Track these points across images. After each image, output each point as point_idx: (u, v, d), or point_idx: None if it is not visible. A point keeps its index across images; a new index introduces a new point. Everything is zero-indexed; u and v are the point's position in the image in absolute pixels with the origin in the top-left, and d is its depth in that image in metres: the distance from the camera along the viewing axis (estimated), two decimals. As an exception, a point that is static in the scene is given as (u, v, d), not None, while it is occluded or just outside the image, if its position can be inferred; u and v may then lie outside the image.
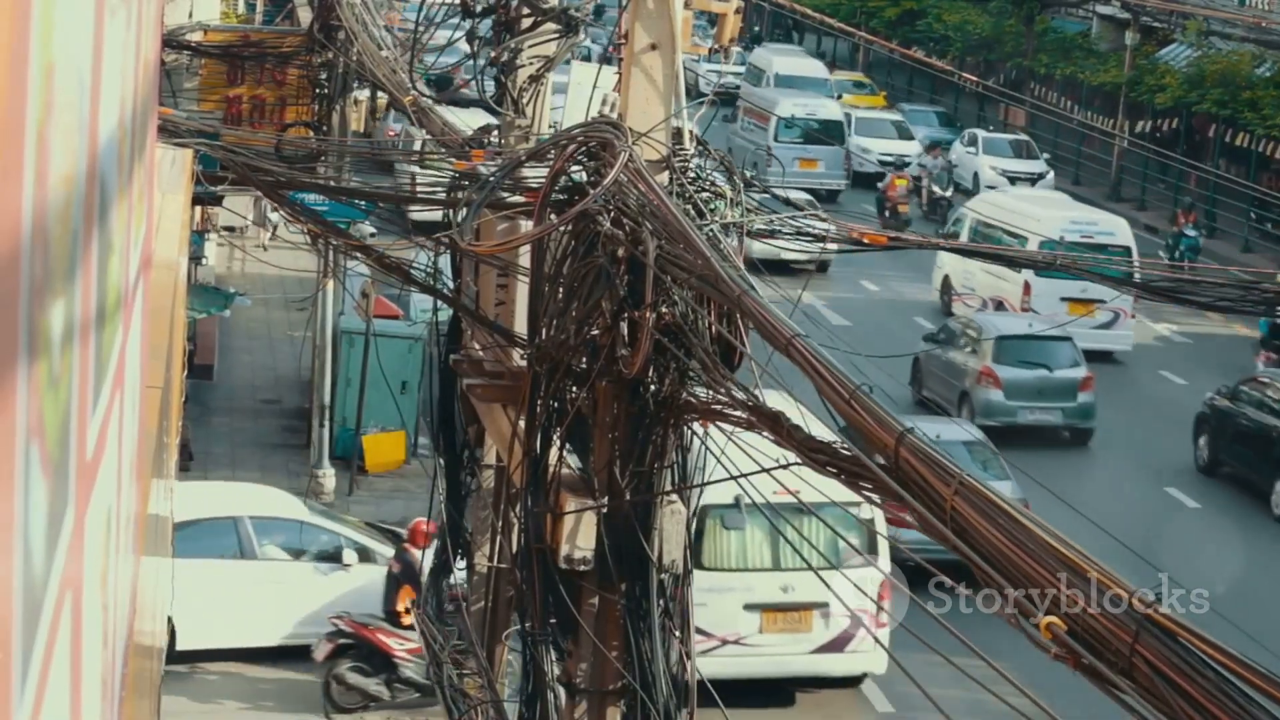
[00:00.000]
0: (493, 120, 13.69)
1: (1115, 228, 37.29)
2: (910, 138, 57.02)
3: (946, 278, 38.66)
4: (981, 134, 56.36)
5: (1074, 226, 36.54)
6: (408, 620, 19.53)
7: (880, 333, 35.95)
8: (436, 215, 12.39)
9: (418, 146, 30.46)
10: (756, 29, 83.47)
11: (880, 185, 48.52)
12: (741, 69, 66.48)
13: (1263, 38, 52.39)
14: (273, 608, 21.61)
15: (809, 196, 34.53)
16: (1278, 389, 28.81)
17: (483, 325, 11.69)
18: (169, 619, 21.23)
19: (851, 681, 21.62)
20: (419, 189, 13.18)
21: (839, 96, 61.80)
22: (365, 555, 21.94)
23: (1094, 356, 33.31)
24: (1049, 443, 30.67)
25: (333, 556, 22.10)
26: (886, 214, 46.13)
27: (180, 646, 21.45)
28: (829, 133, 50.44)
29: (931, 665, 6.99)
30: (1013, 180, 52.10)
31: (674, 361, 9.02)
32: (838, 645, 20.78)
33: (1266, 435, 27.82)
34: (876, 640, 19.25)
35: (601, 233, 9.05)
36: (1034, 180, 52.73)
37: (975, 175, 53.50)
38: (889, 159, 52.58)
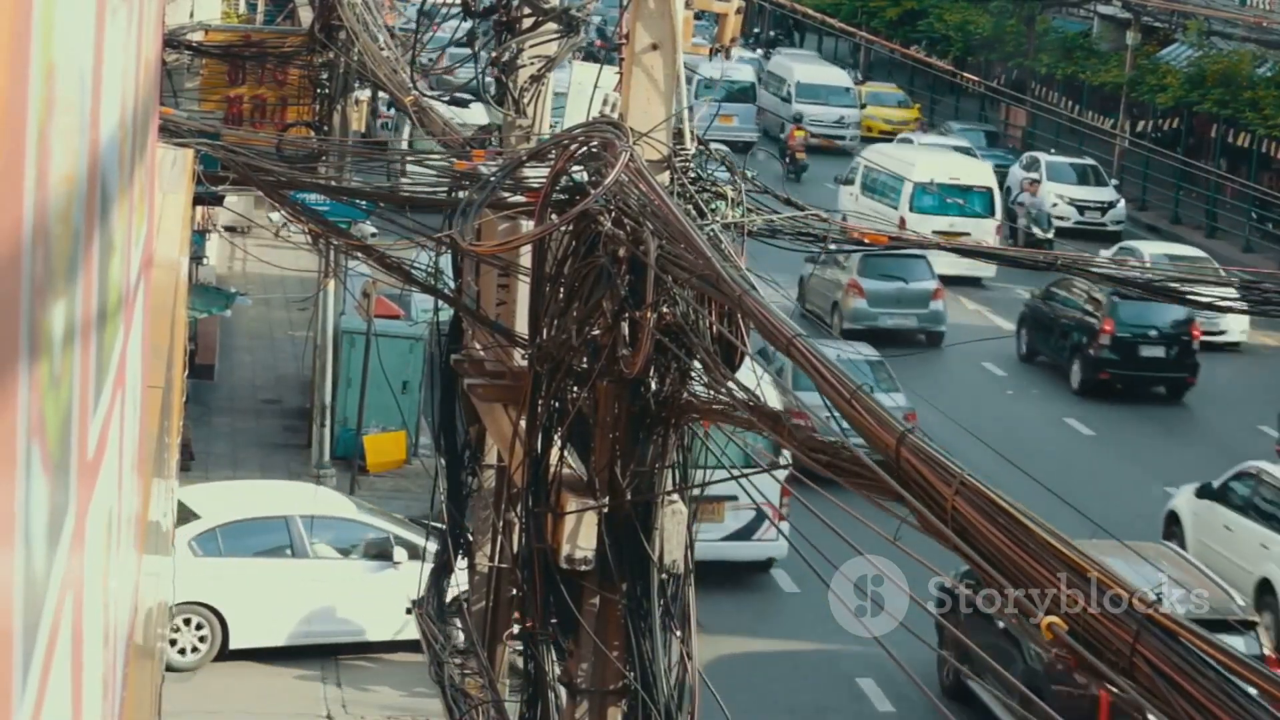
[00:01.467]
0: (494, 119, 13.69)
1: (980, 172, 44.89)
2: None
3: (844, 216, 41.02)
4: (1044, 158, 50.99)
5: (944, 171, 44.06)
6: None
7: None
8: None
9: (407, 133, 30.51)
10: (758, 30, 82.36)
11: (782, 135, 55.34)
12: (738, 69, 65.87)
13: (1263, 38, 52.40)
14: (323, 606, 21.68)
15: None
16: (1079, 288, 34.33)
17: (484, 325, 11.70)
18: (222, 617, 21.37)
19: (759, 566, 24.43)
20: (418, 186, 13.17)
21: (863, 106, 59.82)
22: (415, 552, 22.09)
23: (962, 281, 40.09)
24: (905, 343, 36.00)
25: (382, 554, 22.19)
26: (787, 161, 51.61)
27: (234, 645, 21.57)
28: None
29: (931, 665, 7.00)
30: (1082, 209, 47.98)
31: (675, 361, 9.02)
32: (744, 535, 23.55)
33: (1066, 329, 34.74)
34: (780, 532, 20.34)
35: (602, 233, 9.06)
36: (1104, 209, 48.78)
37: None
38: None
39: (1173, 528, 25.56)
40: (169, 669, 21.42)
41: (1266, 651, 19.98)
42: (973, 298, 41.03)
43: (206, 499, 22.61)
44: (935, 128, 59.77)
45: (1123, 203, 49.87)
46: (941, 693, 20.03)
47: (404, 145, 38.51)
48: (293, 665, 21.98)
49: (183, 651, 21.61)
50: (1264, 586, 22.97)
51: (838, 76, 62.68)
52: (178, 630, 21.53)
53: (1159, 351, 33.84)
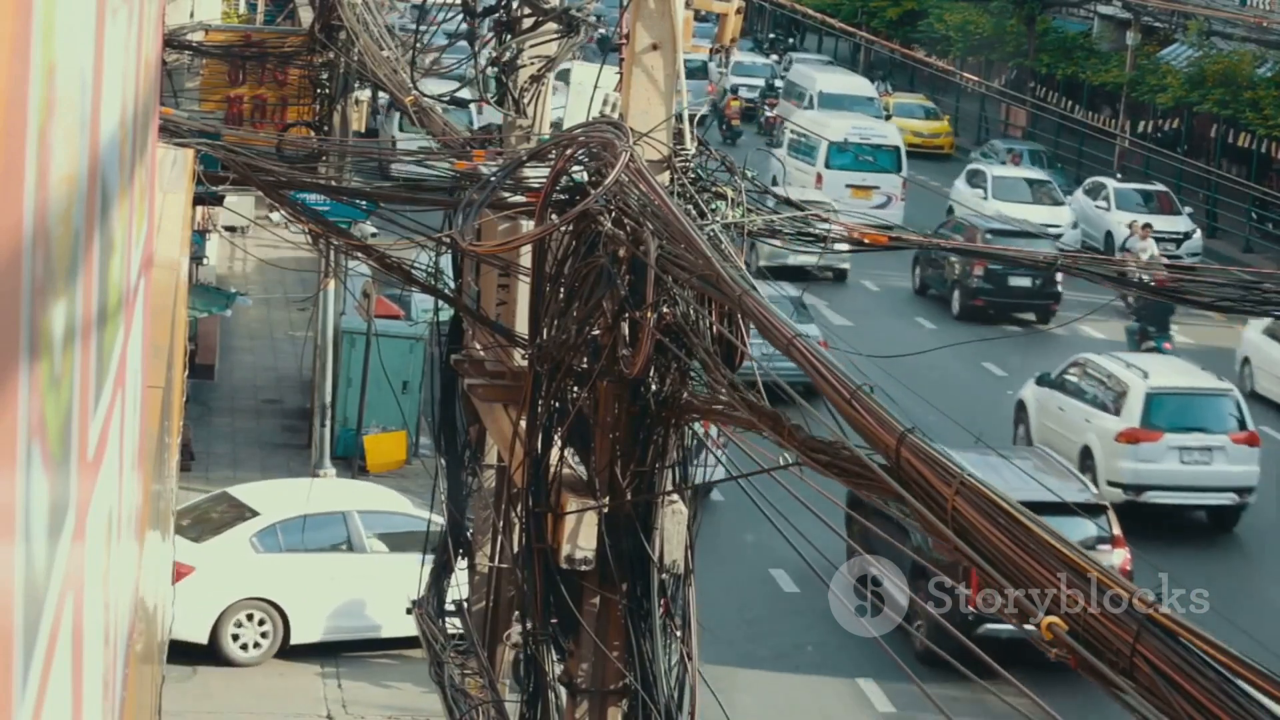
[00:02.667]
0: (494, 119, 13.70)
1: (887, 132, 49.60)
2: (1059, 201, 46.56)
3: (775, 178, 43.34)
4: (1111, 184, 47.29)
5: (855, 131, 48.02)
6: None
7: (883, 331, 36.14)
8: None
9: (396, 120, 30.50)
10: (773, 35, 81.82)
11: (719, 103, 57.35)
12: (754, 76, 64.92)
13: (1264, 38, 52.40)
14: (381, 600, 21.78)
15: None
16: (959, 226, 40.81)
17: (484, 325, 11.70)
18: (283, 613, 21.48)
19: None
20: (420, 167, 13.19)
21: (889, 117, 57.12)
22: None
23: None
24: (814, 279, 39.33)
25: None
26: (724, 128, 53.96)
27: (294, 640, 21.66)
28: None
29: (931, 665, 7.00)
30: (1156, 240, 41.92)
31: (675, 361, 9.02)
32: None
33: (944, 260, 39.84)
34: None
35: (603, 233, 9.06)
36: (1179, 240, 44.76)
37: (1108, 235, 44.83)
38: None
39: (1021, 413, 30.15)
40: (233, 664, 21.65)
41: (1116, 532, 22.91)
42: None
43: (264, 496, 22.90)
44: (983, 149, 55.80)
45: (1199, 233, 45.57)
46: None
47: (395, 129, 38.68)
48: (293, 665, 21.98)
49: (245, 647, 21.88)
50: (1085, 452, 28.08)
51: (862, 86, 60.23)
52: (240, 626, 21.88)
53: (1025, 282, 38.61)
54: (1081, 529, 22.15)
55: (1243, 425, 28.01)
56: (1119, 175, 49.65)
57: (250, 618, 21.87)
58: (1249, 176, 48.11)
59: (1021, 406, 30.29)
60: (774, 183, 40.37)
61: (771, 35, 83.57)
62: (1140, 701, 4.86)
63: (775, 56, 72.63)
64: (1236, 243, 48.27)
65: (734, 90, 61.42)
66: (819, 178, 45.81)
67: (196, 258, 27.51)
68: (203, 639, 21.67)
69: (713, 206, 9.56)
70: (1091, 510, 22.75)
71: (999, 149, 54.53)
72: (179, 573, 21.70)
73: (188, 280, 17.19)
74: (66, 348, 4.00)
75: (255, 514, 22.16)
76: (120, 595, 6.13)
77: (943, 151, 60.23)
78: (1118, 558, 22.39)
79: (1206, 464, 27.56)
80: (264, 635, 21.93)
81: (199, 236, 27.06)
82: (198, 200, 18.29)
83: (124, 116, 5.42)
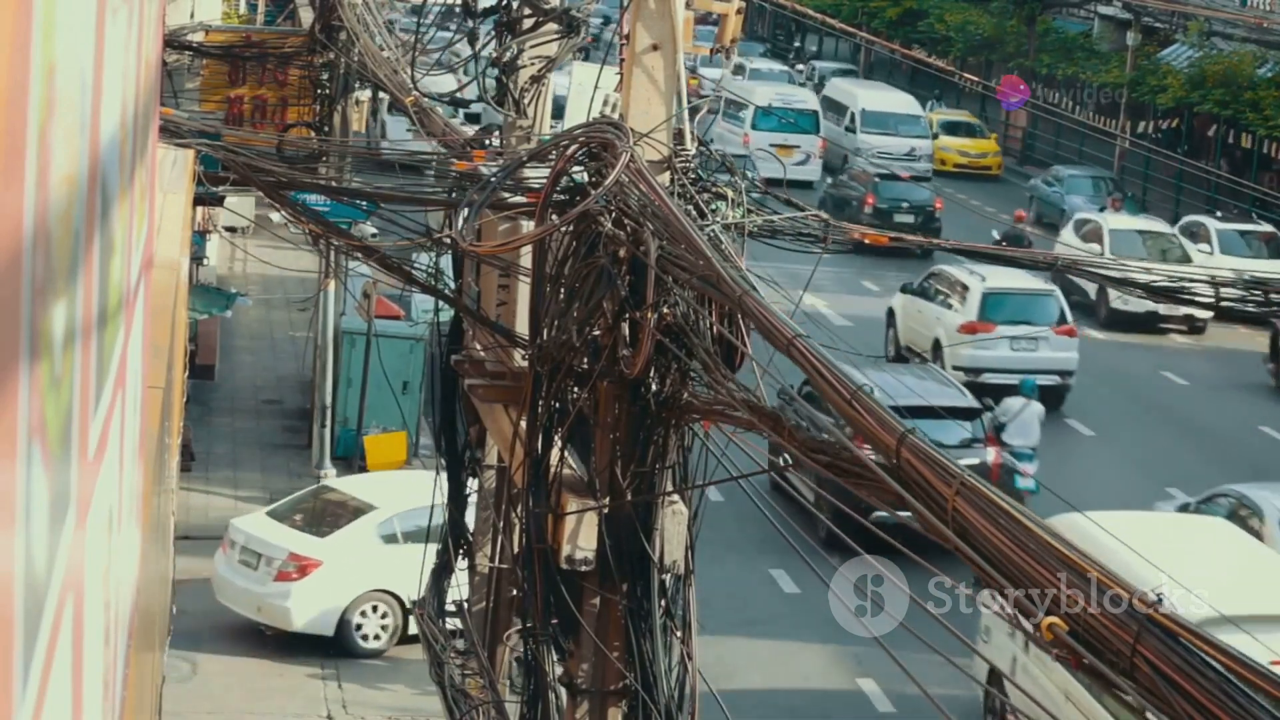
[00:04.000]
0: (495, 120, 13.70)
1: (806, 98, 55.57)
2: (1186, 258, 38.55)
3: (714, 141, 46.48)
4: (1212, 225, 43.10)
5: (779, 98, 53.49)
6: None
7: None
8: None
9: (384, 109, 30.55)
10: (798, 45, 79.14)
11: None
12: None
13: (1264, 38, 52.41)
14: None
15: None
16: (859, 174, 47.11)
17: (484, 325, 11.70)
18: (402, 603, 21.56)
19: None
20: (417, 176, 13.21)
21: (935, 136, 54.74)
22: None
23: (795, 184, 43.08)
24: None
25: None
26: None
27: (414, 630, 21.86)
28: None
29: (932, 665, 7.00)
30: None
31: (675, 362, 9.02)
32: None
33: (847, 202, 45.47)
34: None
35: (603, 233, 9.06)
36: None
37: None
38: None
39: (890, 318, 35.56)
40: (356, 655, 21.91)
41: (988, 432, 27.10)
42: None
43: (379, 489, 23.19)
44: (1045, 176, 50.88)
45: None
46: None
47: (384, 112, 38.84)
48: (293, 665, 21.98)
49: (365, 638, 22.16)
50: (936, 344, 33.71)
51: (906, 103, 56.57)
52: (365, 617, 22.20)
53: (909, 219, 45.04)
54: (959, 431, 26.32)
55: (1063, 319, 33.45)
56: (1218, 214, 45.46)
57: (374, 609, 22.25)
58: (1249, 176, 48.10)
59: (891, 313, 35.84)
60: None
61: (795, 44, 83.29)
62: (1140, 702, 4.86)
63: (801, 68, 69.70)
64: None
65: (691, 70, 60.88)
66: (746, 138, 50.23)
67: (197, 258, 27.51)
68: (329, 632, 22.02)
69: (713, 207, 9.56)
70: (968, 414, 26.92)
71: (1064, 176, 50.08)
72: (306, 567, 21.87)
73: (188, 281, 17.19)
74: (67, 348, 4.00)
75: (373, 507, 22.48)
76: (121, 595, 6.13)
77: (990, 173, 56.62)
78: (990, 454, 26.62)
79: (1033, 350, 32.89)
80: (384, 627, 22.29)
81: (199, 237, 27.05)
82: (198, 201, 18.28)
83: (124, 117, 5.42)
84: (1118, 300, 37.51)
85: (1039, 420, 28.39)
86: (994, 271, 33.57)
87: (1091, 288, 37.27)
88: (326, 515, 22.88)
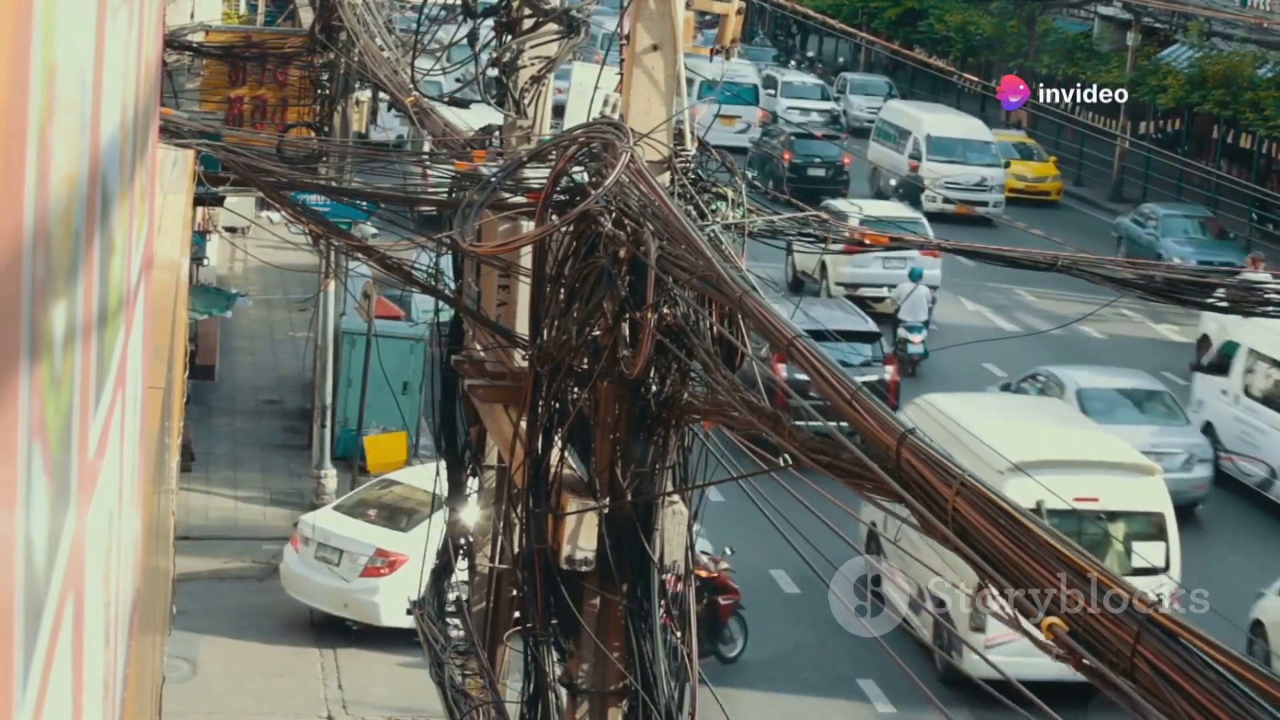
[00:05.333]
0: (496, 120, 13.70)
1: (748, 72, 57.68)
2: None
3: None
4: (1161, 210, 44.02)
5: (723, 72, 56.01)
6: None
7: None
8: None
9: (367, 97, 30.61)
10: (838, 61, 76.39)
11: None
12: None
13: (1264, 38, 52.41)
14: None
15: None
16: (779, 134, 51.87)
17: (484, 326, 11.69)
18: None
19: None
20: (418, 182, 13.20)
21: (1007, 165, 50.79)
22: None
23: (737, 150, 45.67)
24: None
25: None
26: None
27: None
28: None
29: (932, 664, 7.00)
30: None
31: (675, 362, 9.02)
32: None
33: (768, 159, 50.40)
34: None
35: (603, 233, 9.06)
36: None
37: None
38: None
39: (789, 255, 38.37)
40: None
41: (887, 352, 32.08)
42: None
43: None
44: (1133, 215, 46.30)
45: None
46: None
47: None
48: (293, 665, 21.98)
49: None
50: (822, 265, 39.35)
51: (976, 129, 51.85)
52: None
53: (821, 173, 49.96)
54: (861, 351, 30.60)
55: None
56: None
57: None
58: (1249, 176, 48.10)
59: (790, 248, 38.67)
60: None
61: (778, 34, 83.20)
62: (1141, 702, 4.86)
63: (834, 83, 66.07)
64: (1237, 242, 48.31)
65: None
66: (693, 110, 53.13)
67: (197, 258, 27.52)
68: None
69: (713, 207, 9.56)
70: (869, 337, 31.45)
71: (1158, 215, 45.20)
72: (395, 563, 21.89)
73: (188, 281, 17.19)
74: (67, 348, 4.00)
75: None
76: (121, 595, 6.12)
77: (1049, 199, 52.73)
78: (888, 372, 31.10)
79: (900, 268, 37.45)
80: None
81: (199, 237, 27.06)
82: (198, 201, 18.29)
83: (124, 117, 5.42)
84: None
85: (926, 301, 35.58)
86: (871, 205, 41.83)
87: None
88: (401, 510, 22.92)
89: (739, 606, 22.16)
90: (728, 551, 21.96)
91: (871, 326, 32.18)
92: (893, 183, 48.11)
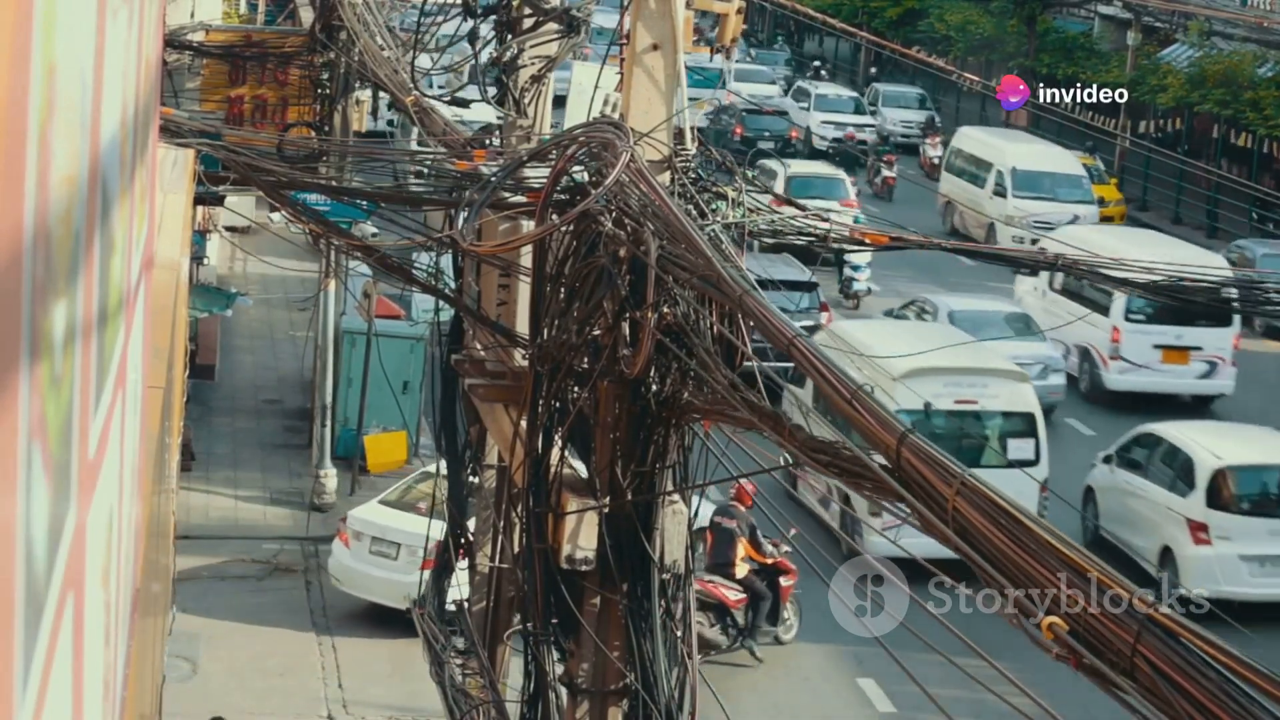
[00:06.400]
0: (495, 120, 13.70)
1: (710, 62, 59.47)
2: None
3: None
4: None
5: (689, 57, 60.11)
6: (737, 572, 22.34)
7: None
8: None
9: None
10: (843, 62, 75.72)
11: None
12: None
13: (1264, 38, 52.42)
14: None
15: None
16: (735, 112, 55.40)
17: (484, 325, 11.70)
18: None
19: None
20: (418, 180, 13.20)
21: (1102, 202, 45.82)
22: None
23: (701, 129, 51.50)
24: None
25: None
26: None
27: None
28: None
29: (932, 664, 7.00)
30: None
31: (675, 362, 9.02)
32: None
33: (721, 135, 51.64)
34: None
35: (603, 233, 9.06)
36: None
37: None
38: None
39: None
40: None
41: (823, 300, 34.47)
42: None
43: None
44: (1229, 250, 40.26)
45: None
46: None
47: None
48: (293, 665, 21.98)
49: None
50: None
51: (1065, 160, 46.53)
52: None
53: (770, 145, 52.56)
54: (799, 299, 32.13)
55: (847, 195, 43.14)
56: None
57: None
58: (1249, 176, 48.10)
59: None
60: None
61: (779, 34, 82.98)
62: (1141, 702, 4.86)
63: (866, 95, 62.45)
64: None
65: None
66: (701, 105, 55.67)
67: (197, 258, 27.52)
68: None
69: (713, 207, 9.56)
70: (806, 287, 33.24)
71: (1255, 254, 39.99)
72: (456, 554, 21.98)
73: (188, 280, 17.19)
74: (67, 348, 4.00)
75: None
76: (121, 595, 6.12)
77: (1113, 224, 46.52)
78: (823, 319, 32.75)
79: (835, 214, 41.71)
80: None
81: (199, 237, 27.07)
82: (198, 200, 18.29)
83: (124, 117, 5.42)
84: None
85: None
86: (797, 164, 46.19)
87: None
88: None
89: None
90: (788, 534, 22.10)
91: (809, 277, 33.94)
92: (973, 227, 41.81)
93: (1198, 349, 33.99)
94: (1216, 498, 25.22)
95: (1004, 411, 26.32)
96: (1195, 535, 24.94)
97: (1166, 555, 25.37)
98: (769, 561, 22.51)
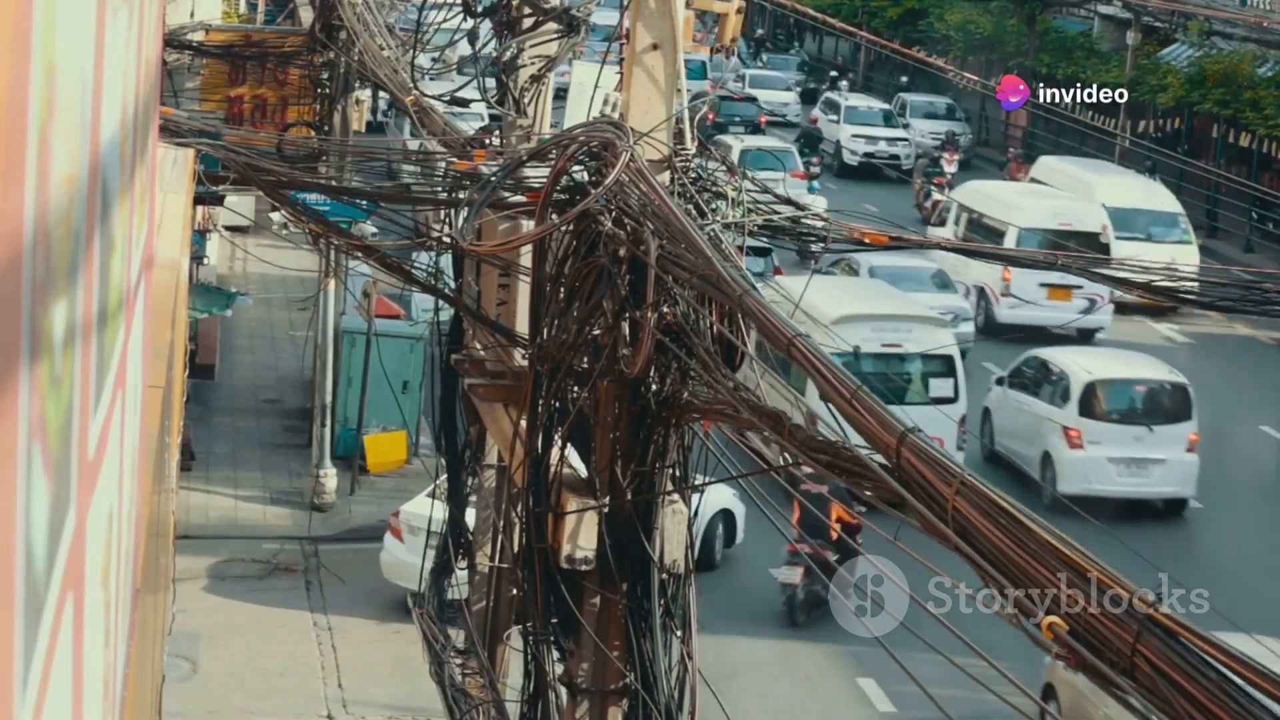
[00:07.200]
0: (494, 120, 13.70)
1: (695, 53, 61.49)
2: None
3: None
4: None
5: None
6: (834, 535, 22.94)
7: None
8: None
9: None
10: (867, 71, 73.58)
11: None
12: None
13: (1264, 37, 52.41)
14: None
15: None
16: (707, 101, 51.49)
17: (484, 325, 11.70)
18: None
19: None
20: (416, 181, 13.20)
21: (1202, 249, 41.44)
22: None
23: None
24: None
25: None
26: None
27: None
28: None
29: (932, 664, 7.00)
30: None
31: (675, 361, 9.02)
32: None
33: (691, 115, 55.25)
34: None
35: (603, 232, 9.06)
36: None
37: None
38: None
39: None
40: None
41: (776, 264, 36.00)
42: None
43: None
44: None
45: None
46: None
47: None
48: (293, 664, 21.98)
49: None
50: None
51: (1160, 197, 42.61)
52: None
53: (740, 129, 54.39)
54: (754, 264, 32.89)
55: (796, 167, 46.71)
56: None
57: None
58: (1249, 176, 48.08)
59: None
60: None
61: (778, 34, 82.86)
62: (1141, 701, 4.86)
63: (897, 109, 59.52)
64: (1237, 242, 48.28)
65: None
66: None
67: (197, 258, 27.51)
68: None
69: (713, 206, 9.56)
70: (761, 252, 33.88)
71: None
72: None
73: (188, 280, 17.19)
74: (67, 348, 4.00)
75: None
76: (121, 595, 6.12)
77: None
78: (777, 280, 34.02)
79: (799, 189, 41.19)
80: None
81: (199, 236, 27.06)
82: (198, 200, 18.28)
83: (124, 116, 5.42)
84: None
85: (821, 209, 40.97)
86: (748, 138, 48.78)
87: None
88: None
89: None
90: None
91: (764, 244, 35.20)
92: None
93: (1079, 287, 36.81)
94: (1088, 408, 28.84)
95: (925, 354, 28.73)
96: (1070, 441, 28.60)
97: (1046, 460, 28.93)
98: (856, 521, 22.44)
